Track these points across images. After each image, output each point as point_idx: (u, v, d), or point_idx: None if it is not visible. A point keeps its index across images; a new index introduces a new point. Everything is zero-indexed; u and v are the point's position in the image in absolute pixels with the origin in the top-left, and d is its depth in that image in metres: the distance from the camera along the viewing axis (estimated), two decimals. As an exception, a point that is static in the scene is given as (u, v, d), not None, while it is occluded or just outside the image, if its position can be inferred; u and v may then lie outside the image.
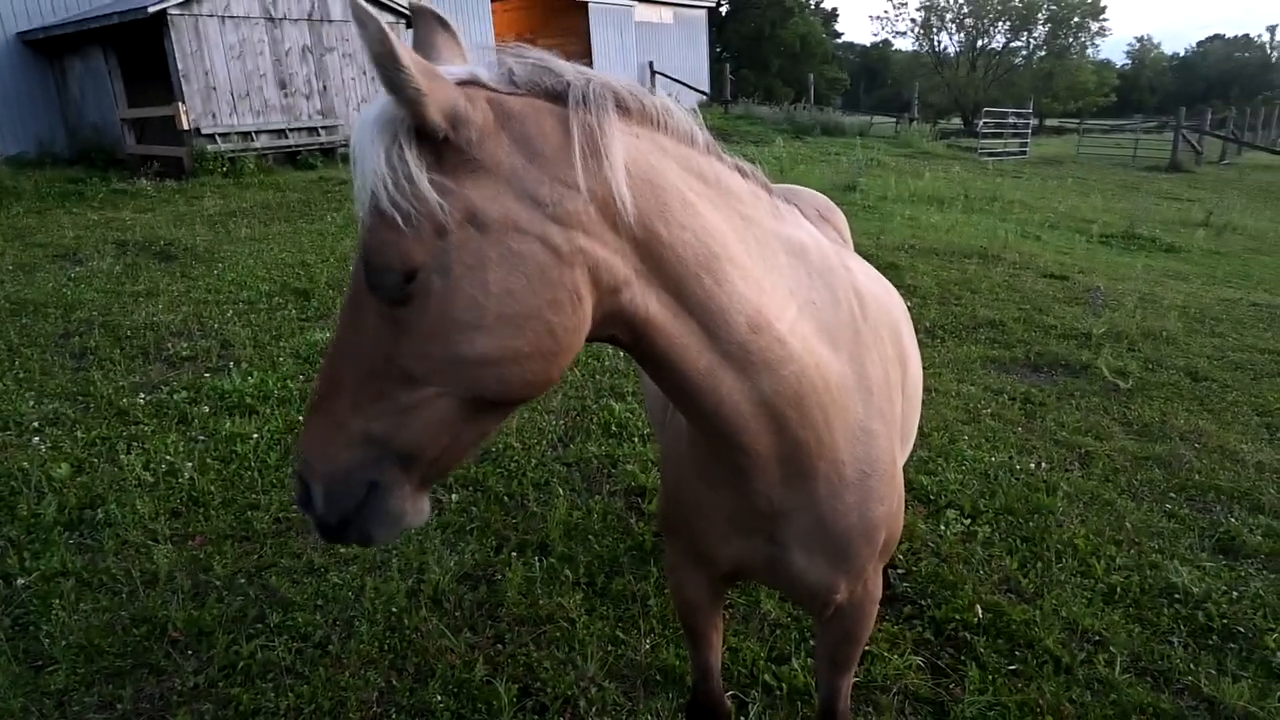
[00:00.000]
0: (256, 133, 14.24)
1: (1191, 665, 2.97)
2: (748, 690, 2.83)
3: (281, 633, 3.09)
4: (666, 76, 25.07)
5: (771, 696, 2.81)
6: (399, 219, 1.11)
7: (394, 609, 3.22)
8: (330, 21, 15.32)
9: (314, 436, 1.22)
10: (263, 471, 4.21)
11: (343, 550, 3.58)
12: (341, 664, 2.94)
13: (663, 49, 26.80)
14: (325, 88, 15.33)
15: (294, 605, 3.23)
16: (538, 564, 3.49)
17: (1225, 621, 3.19)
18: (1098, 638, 3.11)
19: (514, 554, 3.57)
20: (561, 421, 4.87)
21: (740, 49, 48.69)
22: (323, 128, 15.22)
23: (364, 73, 15.69)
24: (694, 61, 28.98)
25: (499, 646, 3.05)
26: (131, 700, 2.78)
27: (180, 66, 13.29)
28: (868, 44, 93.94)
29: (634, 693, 2.85)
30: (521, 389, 1.22)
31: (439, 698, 2.78)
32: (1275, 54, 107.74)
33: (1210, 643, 3.11)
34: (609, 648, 3.04)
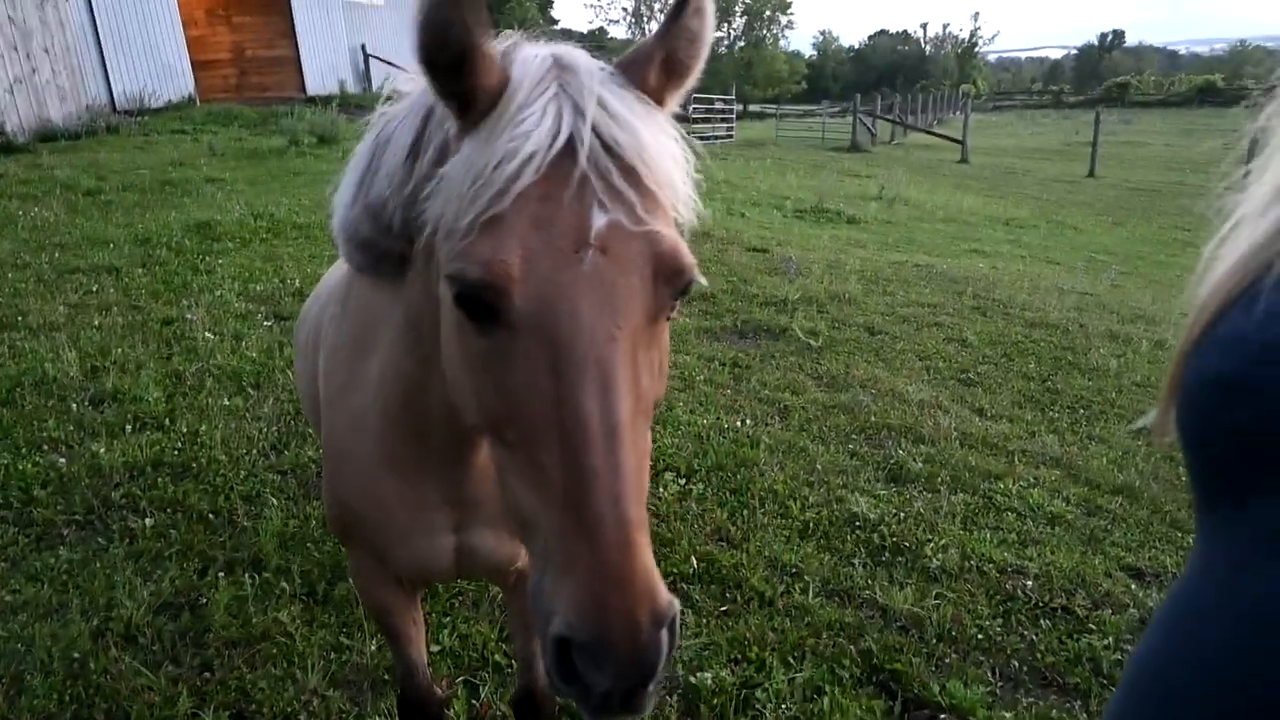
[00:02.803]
0: None
1: (869, 580, 3.40)
2: (477, 672, 2.85)
3: (-74, 706, 2.64)
4: (381, 60, 23.94)
5: (502, 674, 2.84)
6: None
7: (76, 654, 2.85)
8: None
9: (652, 572, 0.96)
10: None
11: (6, 597, 3.12)
12: (9, 727, 2.57)
13: (375, 32, 25.57)
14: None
15: (-58, 671, 2.77)
16: (249, 581, 3.25)
17: (894, 540, 3.69)
18: (795, 569, 3.46)
19: (221, 574, 3.29)
20: (274, 428, 4.55)
21: (457, 33, 47.87)
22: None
23: None
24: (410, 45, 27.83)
25: (206, 675, 2.81)
26: None
27: None
28: (584, 30, 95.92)
29: (360, 697, 2.75)
30: None
31: (135, 742, 2.52)
32: (928, 47, 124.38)
33: (883, 559, 3.58)
34: (331, 656, 2.91)
